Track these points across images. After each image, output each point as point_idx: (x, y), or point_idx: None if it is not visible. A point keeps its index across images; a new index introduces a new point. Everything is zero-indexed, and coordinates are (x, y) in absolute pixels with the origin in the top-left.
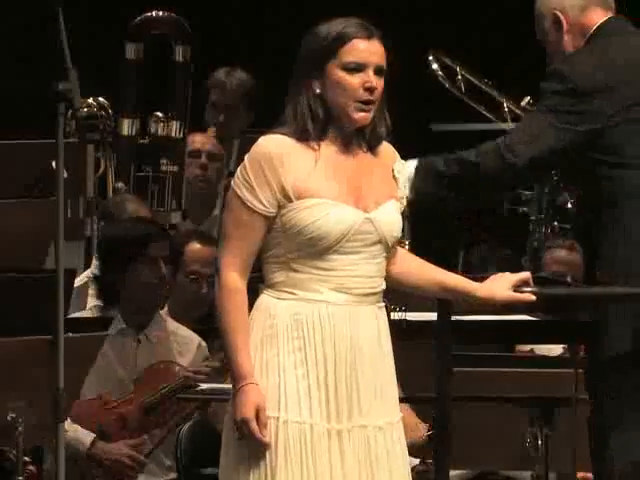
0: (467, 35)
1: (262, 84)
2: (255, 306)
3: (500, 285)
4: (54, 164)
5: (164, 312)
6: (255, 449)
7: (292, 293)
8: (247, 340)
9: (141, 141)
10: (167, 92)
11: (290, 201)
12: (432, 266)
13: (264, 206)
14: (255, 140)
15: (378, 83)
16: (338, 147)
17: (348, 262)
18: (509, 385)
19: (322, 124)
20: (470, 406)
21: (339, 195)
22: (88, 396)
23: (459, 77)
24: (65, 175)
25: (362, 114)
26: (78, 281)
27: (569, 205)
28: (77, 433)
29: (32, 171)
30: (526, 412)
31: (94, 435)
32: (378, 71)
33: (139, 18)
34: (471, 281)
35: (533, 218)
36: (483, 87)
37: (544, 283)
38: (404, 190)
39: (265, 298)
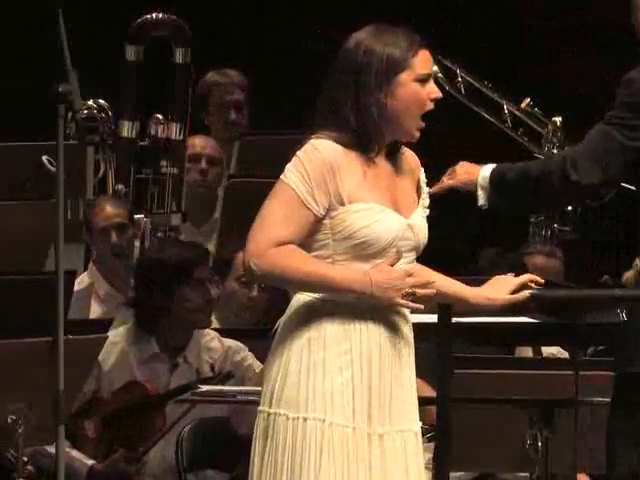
0: (467, 37)
1: (262, 84)
2: (295, 306)
3: (499, 290)
4: (44, 158)
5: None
6: (298, 451)
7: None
8: (323, 263)
9: (141, 143)
10: (167, 94)
11: (342, 204)
12: (432, 272)
13: (317, 206)
14: (255, 142)
15: None
16: (377, 156)
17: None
18: (509, 387)
19: (383, 133)
20: (470, 408)
21: (384, 201)
22: None
23: (459, 79)
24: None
25: (418, 132)
26: (78, 284)
27: (569, 208)
28: (74, 463)
29: (29, 171)
30: (526, 414)
31: (91, 462)
32: None
33: (139, 20)
34: (470, 289)
35: (533, 220)
36: (483, 89)
37: (544, 285)
38: (428, 200)
39: (307, 299)
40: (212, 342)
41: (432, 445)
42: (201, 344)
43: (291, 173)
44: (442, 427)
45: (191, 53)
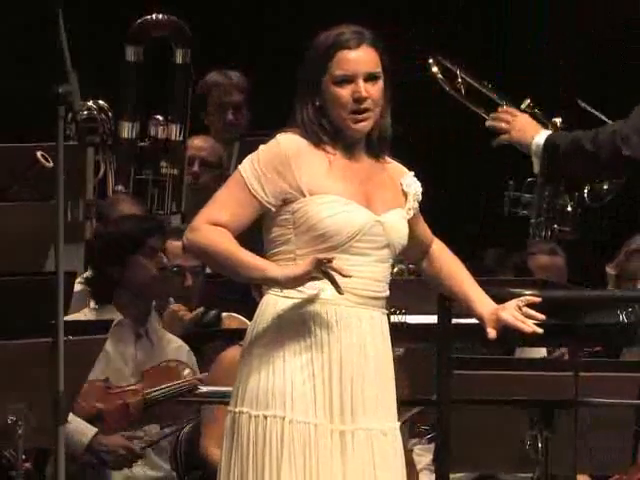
0: (467, 37)
1: (262, 84)
2: (261, 305)
3: (493, 318)
4: (38, 154)
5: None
6: (260, 448)
7: (299, 291)
8: (244, 251)
9: (141, 144)
10: (167, 95)
11: (304, 196)
12: (460, 276)
13: (265, 196)
14: (255, 143)
15: (370, 90)
16: (348, 153)
17: (355, 263)
18: (509, 387)
19: (331, 132)
20: (470, 408)
21: (352, 195)
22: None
23: (459, 80)
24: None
25: (359, 124)
26: (78, 283)
27: (569, 208)
28: (80, 425)
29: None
30: (526, 414)
31: (96, 429)
32: (370, 78)
33: (139, 21)
34: (481, 299)
35: (533, 221)
36: (483, 90)
37: (544, 286)
38: (414, 204)
39: (272, 298)
40: (174, 340)
41: (432, 446)
42: (160, 335)
43: (246, 162)
44: (442, 428)
45: (191, 54)
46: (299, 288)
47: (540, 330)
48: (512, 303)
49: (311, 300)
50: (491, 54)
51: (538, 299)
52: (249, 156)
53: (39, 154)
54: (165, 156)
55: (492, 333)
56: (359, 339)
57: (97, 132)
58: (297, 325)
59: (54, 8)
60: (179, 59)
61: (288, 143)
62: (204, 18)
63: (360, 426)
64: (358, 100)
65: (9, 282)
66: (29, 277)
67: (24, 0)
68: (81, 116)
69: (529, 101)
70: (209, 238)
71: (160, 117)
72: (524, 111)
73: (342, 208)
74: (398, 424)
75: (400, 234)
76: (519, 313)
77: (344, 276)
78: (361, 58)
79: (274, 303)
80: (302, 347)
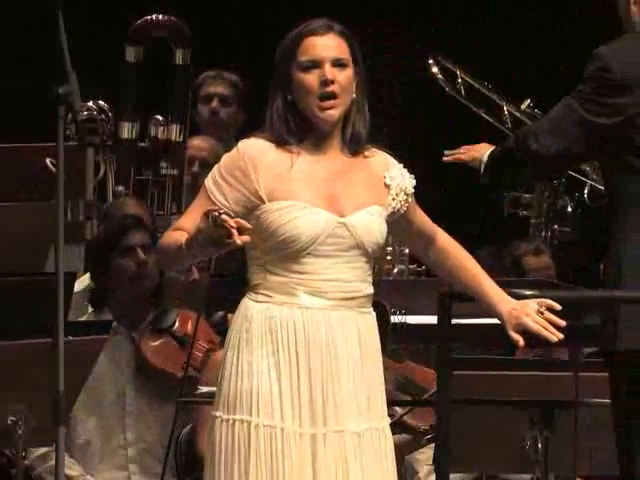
0: (467, 38)
1: (262, 84)
2: (238, 309)
3: (513, 320)
4: (48, 161)
5: None
6: (230, 453)
7: (268, 296)
8: (183, 237)
9: (141, 144)
10: (167, 95)
11: (263, 203)
12: (473, 270)
13: (225, 200)
14: None
15: (337, 75)
16: (317, 151)
17: (322, 266)
18: (509, 388)
19: (298, 130)
20: (470, 409)
21: (312, 198)
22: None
23: (459, 80)
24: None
25: (327, 112)
26: (78, 284)
27: (569, 209)
28: None
29: (31, 173)
30: (526, 415)
31: None
32: (337, 64)
33: (139, 21)
34: (500, 298)
35: (533, 221)
36: (483, 90)
37: (544, 287)
38: (398, 197)
39: (244, 301)
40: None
41: (432, 446)
42: None
43: (212, 169)
44: (442, 428)
45: (191, 54)
46: (270, 292)
47: (562, 336)
48: (532, 306)
49: (280, 304)
50: (491, 54)
51: (558, 306)
52: (216, 164)
53: (48, 161)
54: (165, 156)
55: (521, 342)
56: (329, 341)
57: (97, 132)
58: (265, 329)
59: (54, 8)
60: (179, 59)
61: (247, 149)
62: (204, 18)
63: (332, 429)
64: (325, 83)
65: (9, 282)
66: (29, 277)
67: (24, 0)
68: (81, 116)
69: (529, 101)
70: (164, 237)
71: (160, 117)
72: (524, 111)
73: (300, 213)
74: (384, 423)
75: (371, 234)
76: (541, 318)
77: (245, 228)
78: (328, 44)
79: (245, 307)
80: (269, 351)
